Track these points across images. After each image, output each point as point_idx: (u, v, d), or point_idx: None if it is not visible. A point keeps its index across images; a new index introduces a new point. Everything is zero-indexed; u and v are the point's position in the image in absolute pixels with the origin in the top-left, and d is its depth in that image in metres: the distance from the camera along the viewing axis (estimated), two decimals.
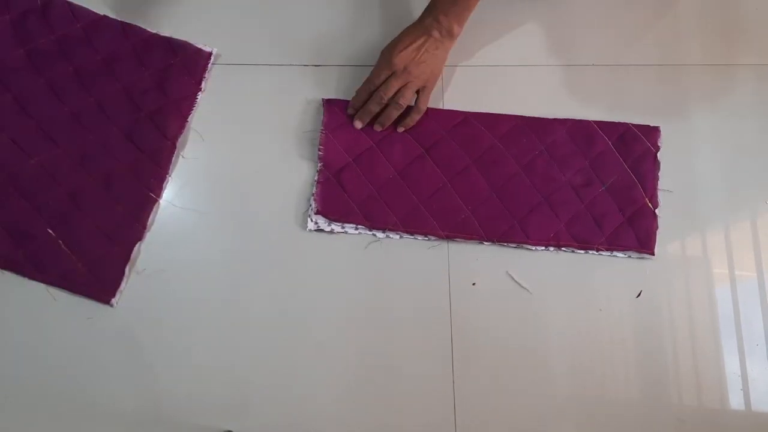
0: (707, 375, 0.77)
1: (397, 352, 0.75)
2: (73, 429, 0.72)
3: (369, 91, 0.76)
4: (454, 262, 0.77)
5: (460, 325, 0.76)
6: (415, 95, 0.76)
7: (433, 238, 0.77)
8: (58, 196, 0.75)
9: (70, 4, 0.80)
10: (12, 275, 0.74)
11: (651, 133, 0.80)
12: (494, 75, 0.82)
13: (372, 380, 0.75)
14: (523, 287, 0.77)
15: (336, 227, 0.76)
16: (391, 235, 0.77)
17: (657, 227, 0.78)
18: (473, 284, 0.77)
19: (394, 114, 0.77)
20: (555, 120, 0.80)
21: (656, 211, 0.79)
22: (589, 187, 0.79)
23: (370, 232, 0.77)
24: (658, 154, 0.80)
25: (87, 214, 0.75)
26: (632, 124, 0.80)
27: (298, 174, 0.78)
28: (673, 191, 0.79)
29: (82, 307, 0.74)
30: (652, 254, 0.78)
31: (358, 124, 0.78)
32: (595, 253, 0.78)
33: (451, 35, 0.74)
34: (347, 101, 0.79)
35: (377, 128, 0.78)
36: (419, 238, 0.77)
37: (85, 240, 0.74)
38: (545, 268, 0.77)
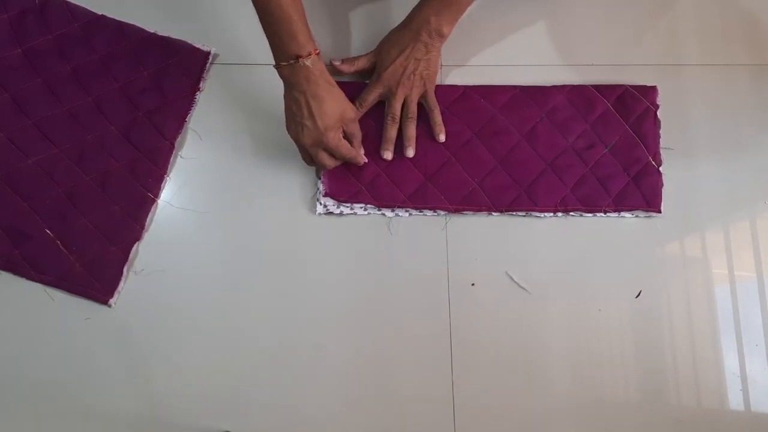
0: (706, 375, 0.77)
1: (396, 353, 0.75)
2: (71, 429, 0.72)
3: (360, 108, 0.75)
4: (453, 262, 0.77)
5: (459, 325, 0.76)
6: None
7: (442, 213, 0.77)
8: (56, 196, 0.75)
9: (68, 3, 0.79)
10: (10, 275, 0.73)
11: (649, 92, 0.81)
12: (493, 75, 0.81)
13: (370, 381, 0.74)
14: (522, 287, 0.77)
15: (345, 209, 0.76)
16: (400, 213, 0.77)
17: (662, 185, 0.79)
18: (472, 285, 0.77)
19: (413, 128, 0.76)
20: (553, 87, 0.81)
21: (660, 169, 0.79)
22: (591, 150, 0.79)
23: (379, 212, 0.77)
24: (658, 113, 0.80)
25: (85, 214, 0.75)
26: (630, 86, 0.81)
27: (299, 171, 0.78)
28: (674, 149, 0.80)
29: (80, 307, 0.73)
30: (659, 212, 0.78)
31: (389, 155, 0.76)
32: (602, 215, 0.78)
33: (441, 35, 0.73)
34: (347, 82, 0.78)
35: (410, 153, 0.76)
36: (428, 213, 0.77)
37: (83, 240, 0.74)
38: (545, 265, 0.77)
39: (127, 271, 0.74)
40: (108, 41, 0.79)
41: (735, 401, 0.77)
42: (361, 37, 0.82)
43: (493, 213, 0.78)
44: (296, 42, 0.65)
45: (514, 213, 0.78)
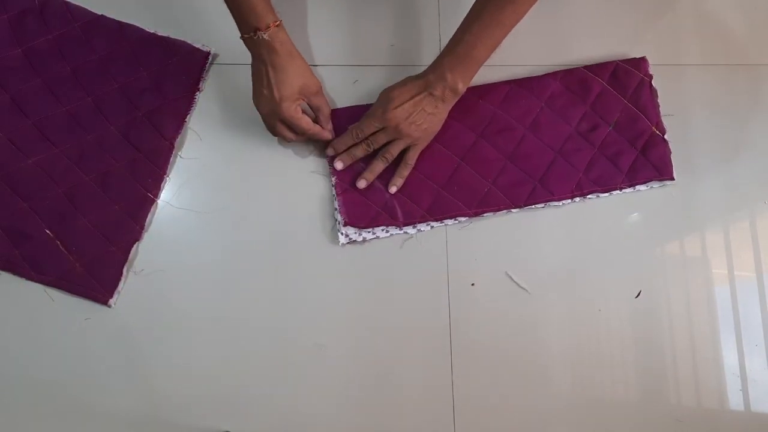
0: (706, 375, 0.77)
1: (396, 353, 0.75)
2: (71, 429, 0.72)
3: (355, 139, 0.74)
4: (453, 263, 0.77)
5: (459, 325, 0.76)
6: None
7: (462, 219, 0.77)
8: (56, 197, 0.75)
9: (68, 3, 0.79)
10: (10, 276, 0.73)
11: (640, 64, 0.82)
12: (491, 76, 0.81)
13: (370, 381, 0.74)
14: (522, 287, 0.77)
15: (367, 235, 0.76)
16: (421, 228, 0.77)
17: (670, 152, 0.79)
18: (472, 284, 0.77)
19: (380, 168, 0.75)
20: (546, 75, 0.81)
21: (665, 136, 0.79)
22: (596, 130, 0.80)
23: (401, 231, 0.77)
24: (653, 82, 0.81)
25: (85, 214, 0.75)
26: (620, 60, 0.82)
27: (299, 168, 0.78)
28: (674, 114, 0.81)
29: (80, 307, 0.73)
30: (672, 179, 0.79)
31: (339, 165, 0.75)
32: (619, 192, 0.79)
33: (455, 93, 0.71)
34: (348, 108, 0.78)
35: (361, 184, 0.75)
36: (449, 223, 0.77)
37: (83, 240, 0.74)
38: (545, 265, 0.77)
39: (127, 271, 0.74)
40: (107, 41, 0.79)
41: (735, 401, 0.77)
42: (364, 42, 0.82)
43: (513, 210, 0.77)
44: (254, 15, 0.66)
45: (533, 207, 0.78)
